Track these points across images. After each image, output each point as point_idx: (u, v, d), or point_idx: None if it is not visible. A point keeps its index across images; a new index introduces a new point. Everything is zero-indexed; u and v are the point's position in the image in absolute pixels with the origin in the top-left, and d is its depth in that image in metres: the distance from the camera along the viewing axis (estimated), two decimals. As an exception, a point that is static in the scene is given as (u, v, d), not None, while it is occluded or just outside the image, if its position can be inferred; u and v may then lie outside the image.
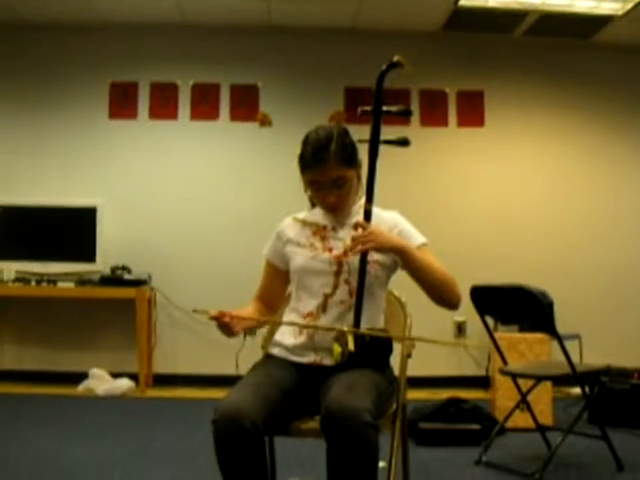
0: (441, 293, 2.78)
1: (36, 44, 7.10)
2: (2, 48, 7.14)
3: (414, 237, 2.90)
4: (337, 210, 2.92)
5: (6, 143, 7.09)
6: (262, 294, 3.11)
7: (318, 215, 3.02)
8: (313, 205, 3.06)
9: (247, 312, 2.96)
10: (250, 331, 2.89)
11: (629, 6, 6.37)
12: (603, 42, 7.21)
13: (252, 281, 3.18)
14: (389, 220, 2.95)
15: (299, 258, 2.94)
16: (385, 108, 2.86)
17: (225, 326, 2.72)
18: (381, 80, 2.82)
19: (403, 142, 2.90)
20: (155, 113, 7.15)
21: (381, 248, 2.73)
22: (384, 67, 2.80)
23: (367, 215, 2.80)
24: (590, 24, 6.83)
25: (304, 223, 3.03)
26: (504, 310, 4.70)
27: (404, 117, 3.06)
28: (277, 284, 3.09)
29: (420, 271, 2.75)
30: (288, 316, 2.98)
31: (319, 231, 2.98)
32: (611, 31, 6.94)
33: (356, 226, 2.74)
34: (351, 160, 2.87)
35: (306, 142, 2.89)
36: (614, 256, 7.27)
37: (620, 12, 6.50)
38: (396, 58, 2.77)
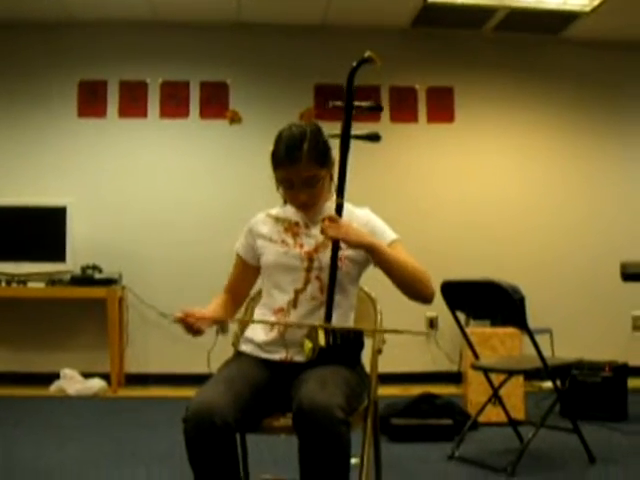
0: (413, 288, 2.77)
1: (2, 42, 7.04)
2: (-32, 46, 7.08)
3: (386, 233, 2.89)
4: (308, 208, 2.92)
5: (-27, 143, 7.05)
6: (230, 287, 3.11)
7: (290, 212, 3.01)
8: (285, 202, 3.05)
9: (211, 309, 2.95)
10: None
11: (597, 2, 6.41)
12: (572, 37, 7.27)
13: (224, 278, 3.16)
14: (361, 217, 2.95)
15: (270, 254, 2.94)
16: (356, 103, 2.86)
17: (190, 327, 2.72)
18: (352, 76, 2.82)
19: (374, 137, 2.91)
20: (124, 111, 7.11)
21: (350, 243, 2.73)
22: (355, 63, 2.79)
23: (339, 209, 2.81)
24: (559, 19, 6.88)
25: (276, 219, 3.03)
26: (475, 305, 4.71)
27: (375, 112, 3.06)
28: (246, 279, 3.08)
29: (390, 266, 2.74)
30: (259, 311, 2.98)
31: (291, 227, 2.97)
32: (579, 26, 6.99)
33: (324, 219, 2.74)
34: (324, 159, 2.86)
35: (279, 140, 2.87)
36: (585, 251, 7.32)
37: (588, 8, 6.55)
38: (367, 54, 2.76)
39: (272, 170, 2.90)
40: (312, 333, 2.70)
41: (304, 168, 2.81)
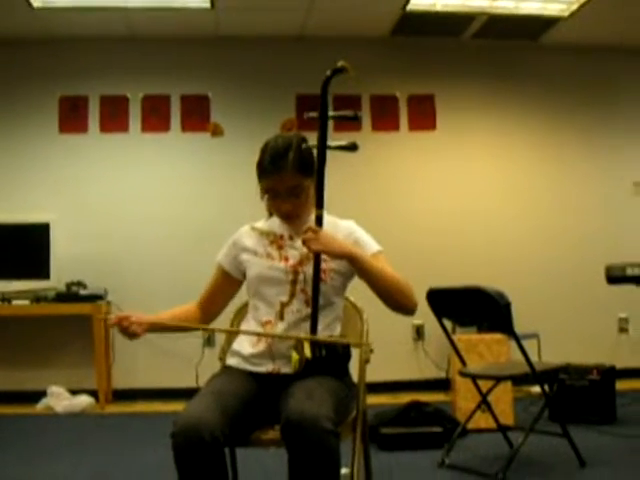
0: (395, 299, 2.76)
1: (-18, 59, 7.03)
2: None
3: (369, 245, 2.90)
4: (292, 218, 2.92)
5: (-46, 160, 7.01)
6: (205, 299, 3.08)
7: (275, 224, 3.01)
8: (271, 214, 3.04)
9: (164, 316, 2.93)
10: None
11: (574, 7, 6.44)
12: (550, 43, 7.29)
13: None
14: (345, 228, 2.95)
15: (255, 267, 2.93)
16: (332, 113, 2.86)
17: (125, 330, 2.71)
18: (326, 85, 2.82)
19: (351, 147, 2.90)
20: (106, 126, 7.09)
21: (332, 253, 2.73)
22: (329, 73, 2.79)
23: (318, 220, 2.80)
24: (537, 25, 6.90)
25: (261, 232, 3.02)
26: (461, 312, 4.70)
27: (352, 122, 3.05)
28: (223, 292, 3.06)
29: (373, 277, 2.74)
30: (245, 324, 2.97)
31: (276, 240, 2.96)
32: (558, 32, 7.02)
33: (306, 230, 2.74)
34: (308, 170, 2.86)
35: (265, 149, 2.88)
36: (570, 255, 7.33)
37: (566, 13, 6.58)
38: (340, 63, 2.77)
39: (257, 179, 2.89)
40: (298, 345, 2.69)
41: (289, 177, 2.81)
